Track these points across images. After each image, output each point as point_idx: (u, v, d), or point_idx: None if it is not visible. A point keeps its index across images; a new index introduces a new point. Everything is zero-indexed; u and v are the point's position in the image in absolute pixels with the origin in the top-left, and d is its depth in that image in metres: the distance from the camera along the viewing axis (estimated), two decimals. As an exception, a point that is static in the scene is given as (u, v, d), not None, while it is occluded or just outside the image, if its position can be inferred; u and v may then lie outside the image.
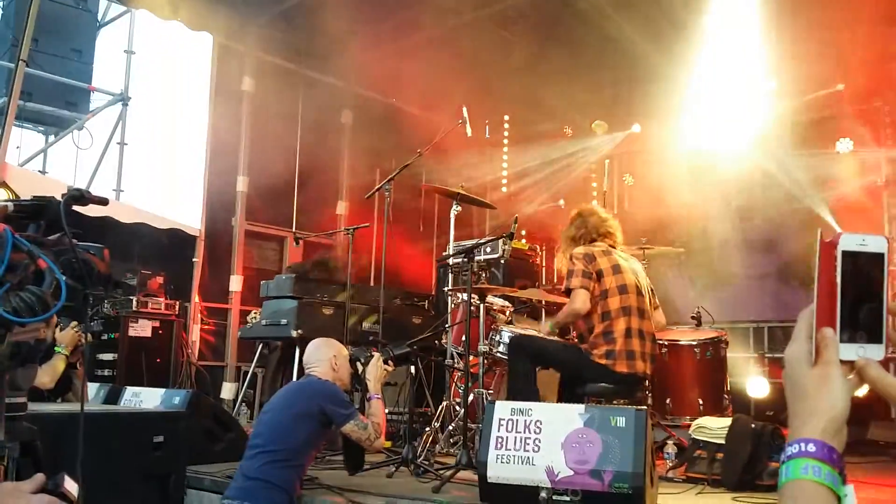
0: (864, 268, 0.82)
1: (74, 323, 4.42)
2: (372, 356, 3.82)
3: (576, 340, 4.77)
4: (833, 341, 0.82)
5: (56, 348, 4.45)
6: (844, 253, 0.82)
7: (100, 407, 4.50)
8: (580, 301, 4.37)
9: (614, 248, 4.65)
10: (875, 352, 0.82)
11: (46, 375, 4.38)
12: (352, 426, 3.46)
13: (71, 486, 1.34)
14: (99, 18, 9.33)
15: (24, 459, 1.42)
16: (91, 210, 1.56)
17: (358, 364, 3.77)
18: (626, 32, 7.08)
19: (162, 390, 4.69)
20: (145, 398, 4.63)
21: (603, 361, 4.27)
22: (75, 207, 1.47)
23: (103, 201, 1.59)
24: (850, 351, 0.82)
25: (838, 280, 0.82)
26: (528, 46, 8.03)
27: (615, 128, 9.23)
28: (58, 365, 4.43)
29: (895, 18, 6.32)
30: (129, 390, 4.83)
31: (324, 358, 3.66)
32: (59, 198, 1.44)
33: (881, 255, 0.82)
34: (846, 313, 0.82)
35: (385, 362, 3.83)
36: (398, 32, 7.81)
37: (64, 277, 1.33)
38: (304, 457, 3.46)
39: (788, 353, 0.86)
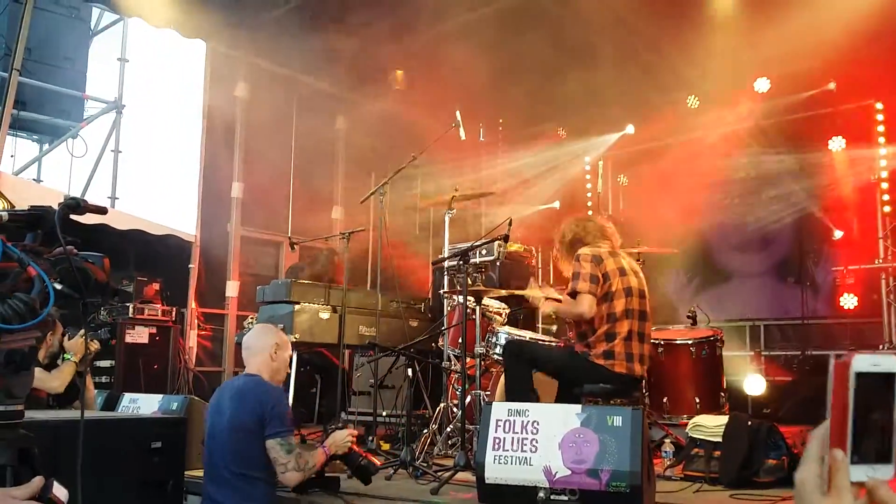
0: (876, 388, 0.82)
1: (83, 331, 4.44)
2: (343, 428, 3.84)
3: (572, 340, 4.76)
4: (844, 464, 0.82)
5: (65, 356, 4.47)
6: (857, 374, 0.82)
7: (97, 413, 4.49)
8: (586, 305, 4.27)
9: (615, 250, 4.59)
10: (885, 472, 0.83)
11: (56, 380, 4.41)
12: (276, 443, 3.30)
13: (60, 493, 1.34)
14: (92, 27, 9.33)
15: (21, 467, 1.43)
16: (86, 217, 1.56)
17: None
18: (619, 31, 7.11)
19: (159, 396, 4.68)
20: (143, 404, 4.62)
21: (601, 362, 4.26)
22: (72, 216, 1.47)
23: (102, 210, 1.58)
24: (861, 472, 0.82)
25: (850, 401, 0.82)
26: (520, 47, 8.05)
27: (609, 129, 9.26)
28: (67, 370, 4.45)
29: (885, 16, 6.35)
30: (127, 396, 4.82)
31: (265, 347, 3.54)
32: (57, 207, 1.44)
33: (893, 375, 0.82)
34: (857, 434, 0.82)
35: (359, 462, 3.65)
36: (392, 36, 7.82)
37: (55, 284, 1.34)
38: (267, 461, 3.37)
39: (799, 477, 0.85)
